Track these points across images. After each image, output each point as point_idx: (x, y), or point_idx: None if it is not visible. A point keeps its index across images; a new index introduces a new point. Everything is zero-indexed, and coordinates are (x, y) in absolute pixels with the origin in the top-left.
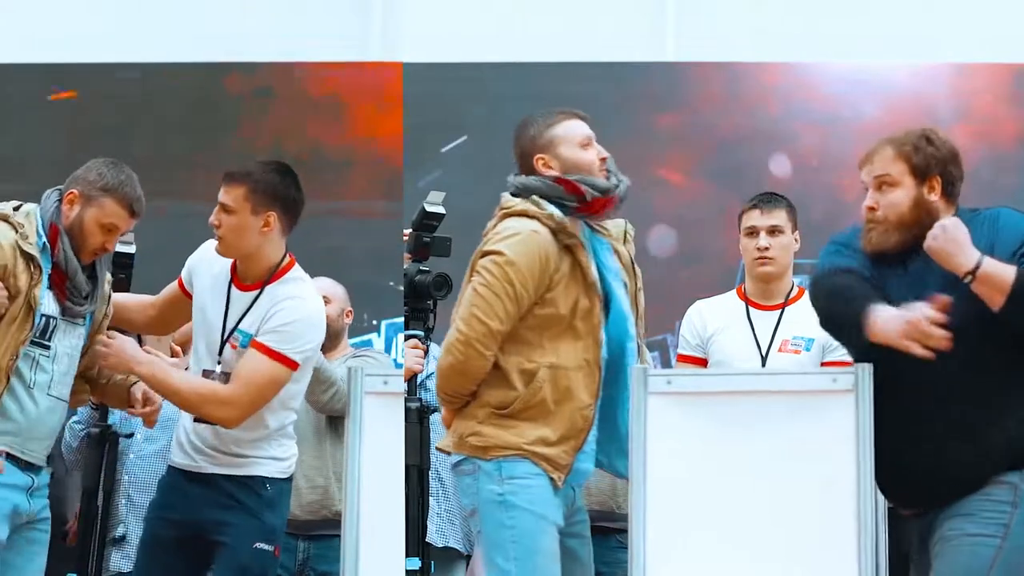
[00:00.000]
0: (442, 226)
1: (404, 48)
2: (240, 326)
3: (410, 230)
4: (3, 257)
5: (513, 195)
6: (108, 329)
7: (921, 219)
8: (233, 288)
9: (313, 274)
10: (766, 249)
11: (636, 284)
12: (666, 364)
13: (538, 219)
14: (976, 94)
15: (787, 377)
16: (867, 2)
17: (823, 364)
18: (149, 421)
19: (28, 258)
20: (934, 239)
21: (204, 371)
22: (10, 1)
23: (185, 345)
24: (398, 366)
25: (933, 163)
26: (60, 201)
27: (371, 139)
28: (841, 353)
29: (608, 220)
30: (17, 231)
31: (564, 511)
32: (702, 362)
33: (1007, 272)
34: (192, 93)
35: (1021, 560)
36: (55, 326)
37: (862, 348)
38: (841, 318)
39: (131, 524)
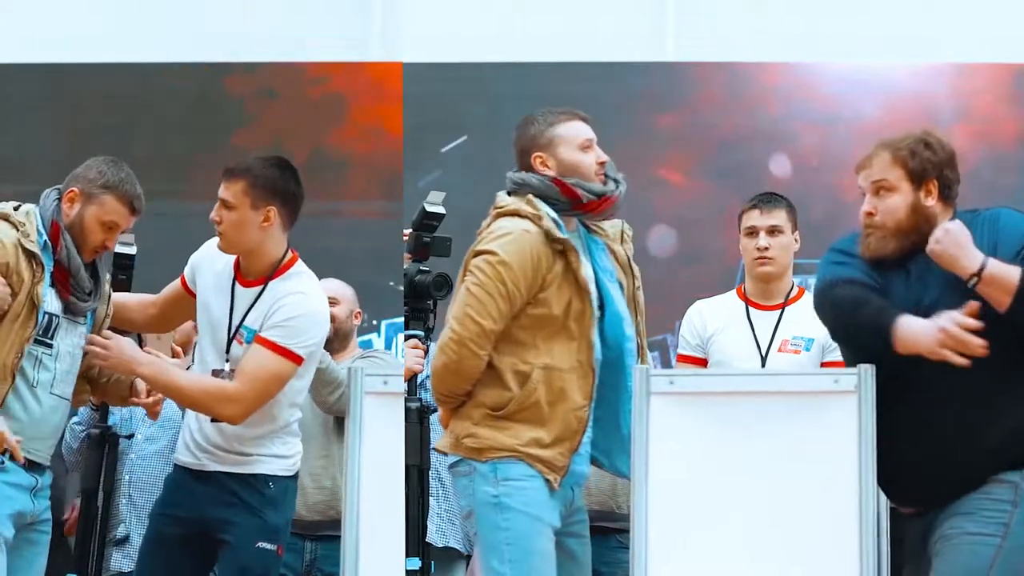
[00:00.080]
0: (442, 226)
1: (404, 48)
2: (245, 322)
3: (410, 230)
4: (5, 254)
5: (510, 191)
6: (107, 329)
7: (918, 225)
8: (237, 285)
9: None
10: (766, 249)
11: (634, 284)
12: (666, 364)
13: (530, 219)
14: (976, 94)
15: (790, 378)
16: (867, 2)
17: (823, 364)
18: (152, 412)
19: (30, 256)
20: (937, 243)
21: (213, 371)
22: (10, 1)
23: (186, 346)
24: None
25: (930, 167)
26: (59, 200)
27: (371, 139)
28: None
29: (606, 221)
30: (18, 229)
31: (562, 512)
32: (702, 362)
33: (1012, 273)
34: (192, 93)
35: (1021, 559)
36: (58, 324)
37: (878, 358)
38: (858, 330)
39: (132, 524)
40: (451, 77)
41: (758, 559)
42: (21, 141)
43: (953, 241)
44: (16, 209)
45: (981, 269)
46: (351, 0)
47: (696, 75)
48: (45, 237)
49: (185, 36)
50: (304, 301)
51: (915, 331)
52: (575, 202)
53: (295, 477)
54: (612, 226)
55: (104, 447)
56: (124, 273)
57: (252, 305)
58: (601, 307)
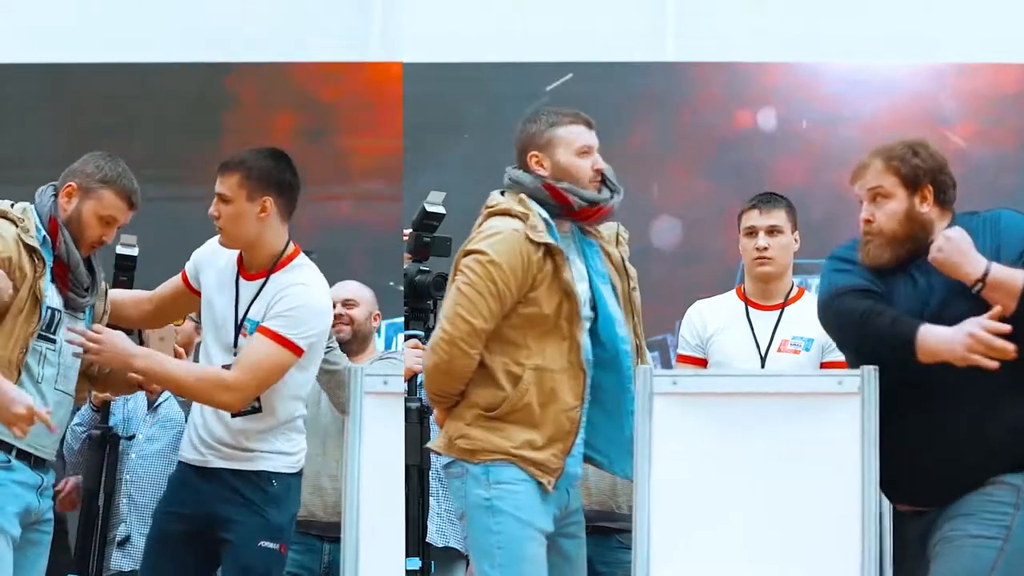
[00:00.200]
0: (442, 226)
1: (404, 48)
2: (248, 315)
3: (410, 230)
4: (7, 249)
5: (505, 187)
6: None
7: (915, 231)
8: (240, 279)
9: None
10: (765, 249)
11: (628, 285)
12: (666, 364)
13: (520, 218)
14: (976, 94)
15: (793, 379)
16: (867, 2)
17: (822, 364)
18: (151, 389)
19: (31, 251)
20: (939, 251)
21: (224, 367)
22: (10, 1)
23: (188, 346)
24: None
25: (922, 173)
26: (56, 196)
27: (371, 139)
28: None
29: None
30: (17, 225)
31: (556, 514)
32: (702, 362)
33: (1016, 277)
34: (192, 93)
35: (1022, 563)
36: (59, 319)
37: (894, 365)
38: (872, 340)
39: (133, 524)
40: (451, 77)
41: (760, 560)
42: (21, 141)
43: (955, 248)
44: (12, 207)
45: (985, 275)
46: (351, 0)
47: (696, 75)
48: (44, 232)
49: (185, 36)
50: (305, 292)
51: (942, 339)
52: (566, 208)
53: (299, 474)
54: (607, 228)
55: (105, 448)
56: (125, 275)
57: (255, 297)
58: (594, 308)
